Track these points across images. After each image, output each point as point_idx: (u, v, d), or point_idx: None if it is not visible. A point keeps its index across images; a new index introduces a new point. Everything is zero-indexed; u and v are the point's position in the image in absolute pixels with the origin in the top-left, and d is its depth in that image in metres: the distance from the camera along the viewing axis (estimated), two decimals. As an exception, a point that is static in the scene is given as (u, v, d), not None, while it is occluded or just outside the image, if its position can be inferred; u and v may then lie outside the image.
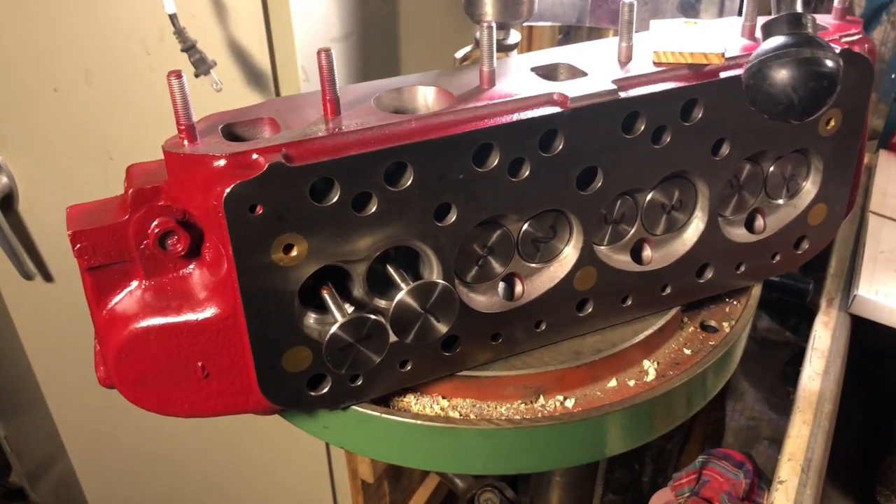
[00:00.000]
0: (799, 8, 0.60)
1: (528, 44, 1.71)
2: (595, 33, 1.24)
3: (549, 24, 1.16)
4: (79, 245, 0.69)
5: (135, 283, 0.73)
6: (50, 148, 1.52)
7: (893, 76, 1.56)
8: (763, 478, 1.47)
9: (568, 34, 1.68)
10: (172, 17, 1.18)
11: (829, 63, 0.57)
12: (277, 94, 1.38)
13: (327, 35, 1.39)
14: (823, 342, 1.22)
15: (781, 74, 0.58)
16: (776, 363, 2.26)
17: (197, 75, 1.23)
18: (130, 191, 0.69)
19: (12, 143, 1.53)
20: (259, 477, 1.95)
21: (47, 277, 1.69)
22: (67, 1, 1.33)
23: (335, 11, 1.38)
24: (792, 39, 0.58)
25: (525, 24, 1.44)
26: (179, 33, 1.20)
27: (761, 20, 0.84)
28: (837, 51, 0.81)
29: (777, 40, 0.59)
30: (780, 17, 0.60)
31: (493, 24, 0.73)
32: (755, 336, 2.22)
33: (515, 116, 0.72)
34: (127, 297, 0.72)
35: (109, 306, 0.73)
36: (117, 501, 2.15)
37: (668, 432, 0.90)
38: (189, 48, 1.21)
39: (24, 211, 1.60)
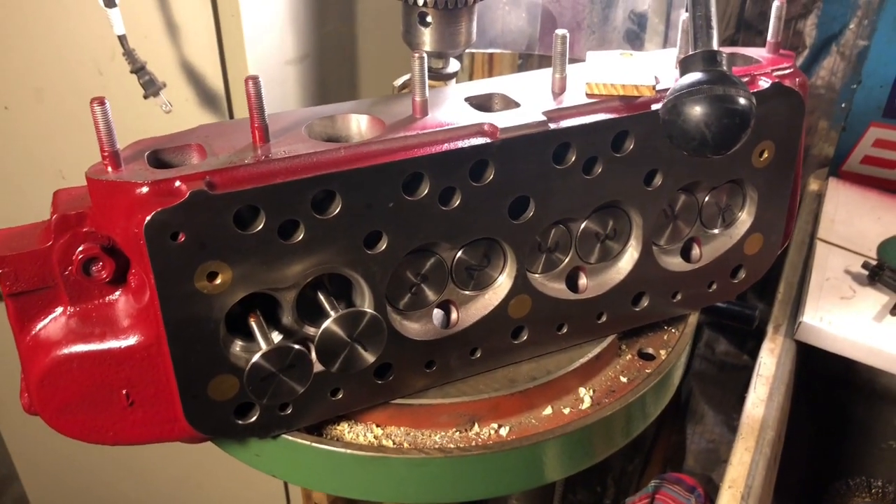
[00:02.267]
0: (714, 45, 0.61)
1: (490, 68, 1.72)
2: (546, 60, 1.25)
3: (499, 50, 1.17)
4: (0, 271, 0.68)
5: (59, 310, 0.72)
6: (2, 166, 1.50)
7: (843, 105, 1.58)
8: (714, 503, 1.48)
9: (525, 60, 1.70)
10: (121, 39, 1.17)
11: (742, 100, 0.58)
12: (231, 114, 1.38)
13: (282, 57, 1.39)
14: (768, 369, 1.23)
15: (695, 111, 0.59)
16: (735, 386, 2.28)
17: (146, 96, 1.23)
18: (55, 216, 0.69)
19: (-39, 162, 1.52)
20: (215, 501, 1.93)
21: (-2, 297, 1.66)
22: (19, 19, 1.33)
23: (290, 33, 1.39)
24: (706, 76, 0.59)
25: (479, 50, 1.45)
26: (129, 54, 1.19)
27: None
28: (768, 84, 0.83)
29: (692, 77, 0.60)
30: (695, 55, 0.61)
31: (425, 55, 0.73)
32: (713, 359, 2.24)
33: (445, 146, 0.73)
34: (51, 324, 0.72)
35: (33, 332, 0.72)
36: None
37: (629, 453, 0.90)
38: (138, 69, 1.21)
39: (-25, 229, 1.58)
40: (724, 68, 0.60)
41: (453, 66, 0.91)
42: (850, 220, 1.47)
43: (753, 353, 2.27)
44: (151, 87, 1.21)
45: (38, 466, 1.99)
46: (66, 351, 0.70)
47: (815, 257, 1.39)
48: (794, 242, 1.49)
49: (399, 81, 0.94)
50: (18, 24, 1.33)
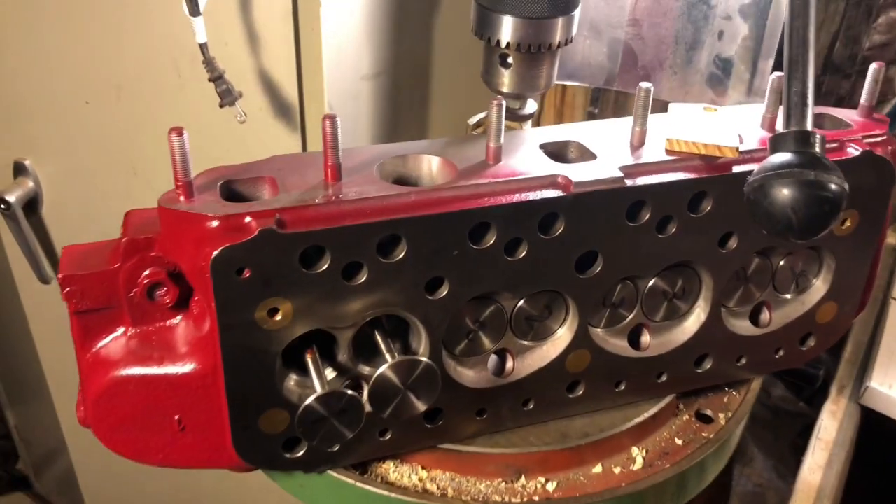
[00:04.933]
0: (808, 125, 0.58)
1: (562, 99, 1.70)
2: (622, 97, 1.23)
3: (577, 84, 1.15)
4: (68, 289, 0.69)
5: (121, 330, 0.73)
6: (77, 157, 1.54)
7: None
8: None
9: (600, 94, 1.67)
10: (202, 47, 1.19)
11: (833, 187, 0.55)
12: (303, 126, 1.39)
13: (357, 72, 1.39)
14: (829, 433, 1.19)
15: (782, 194, 0.56)
16: (788, 432, 2.21)
17: (222, 105, 1.24)
18: (124, 240, 0.70)
19: (42, 149, 1.56)
20: (254, 482, 1.94)
21: (64, 282, 1.71)
22: (104, 18, 1.35)
23: (367, 48, 1.39)
24: (797, 158, 0.56)
25: (556, 82, 1.43)
26: (208, 63, 1.21)
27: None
28: (858, 152, 0.80)
29: (782, 157, 0.57)
30: (787, 133, 0.59)
31: (503, 103, 0.72)
32: (768, 403, 2.18)
33: (516, 197, 0.71)
34: (112, 343, 0.73)
35: (94, 349, 0.73)
36: (113, 500, 2.16)
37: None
38: (216, 78, 1.22)
39: (47, 216, 1.62)
40: (818, 151, 0.57)
41: (530, 106, 0.90)
42: (928, 280, 1.41)
43: (810, 402, 2.21)
44: (228, 97, 1.22)
45: (86, 443, 2.03)
46: (124, 372, 0.71)
47: (889, 316, 1.33)
48: (866, 299, 1.43)
49: (473, 120, 0.93)
50: (103, 24, 1.36)
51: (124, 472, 2.04)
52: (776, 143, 0.59)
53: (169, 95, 1.40)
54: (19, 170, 1.57)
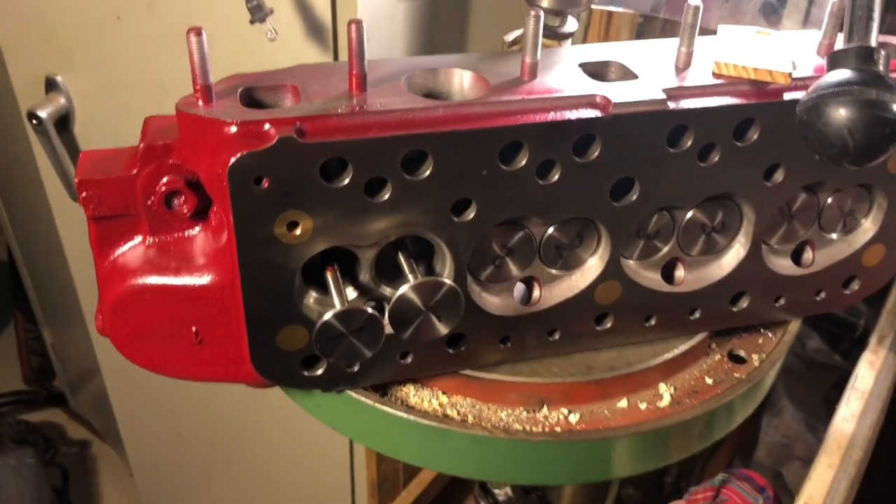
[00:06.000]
0: (873, 41, 0.54)
1: (607, 27, 1.63)
2: (669, 25, 1.17)
3: (621, 10, 1.09)
4: (85, 193, 0.67)
5: (138, 238, 0.71)
6: (109, 74, 1.52)
7: None
8: (783, 507, 1.41)
9: (647, 21, 1.60)
10: (234, -40, 1.15)
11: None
12: (335, 48, 1.35)
13: (394, -7, 1.34)
14: (865, 383, 1.14)
15: (839, 114, 0.51)
16: (821, 385, 2.17)
17: (252, 22, 1.20)
18: (142, 145, 0.67)
19: (74, 66, 1.54)
20: (279, 425, 1.97)
21: (95, 201, 1.71)
22: (137, -70, 1.32)
23: (404, -32, 1.34)
24: (857, 76, 0.52)
25: (600, 7, 1.37)
26: (240, -24, 1.17)
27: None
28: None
29: (840, 74, 0.53)
30: (848, 49, 0.54)
31: (541, 14, 0.67)
32: (802, 355, 2.13)
33: (551, 116, 0.67)
34: (130, 251, 0.71)
35: (112, 257, 0.71)
36: (143, 422, 2.20)
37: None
38: (247, -7, 1.18)
39: (79, 133, 1.61)
40: (882, 69, 0.53)
41: (571, 25, 0.85)
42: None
43: (846, 354, 2.16)
44: (259, 13, 1.18)
45: (121, 363, 2.06)
46: (141, 281, 0.70)
47: (936, 268, 1.28)
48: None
49: (510, 37, 0.88)
50: (136, -65, 1.33)
51: (155, 394, 2.09)
52: (835, 60, 0.54)
53: (201, 11, 1.37)
54: (51, 86, 1.55)
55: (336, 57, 1.35)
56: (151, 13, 1.41)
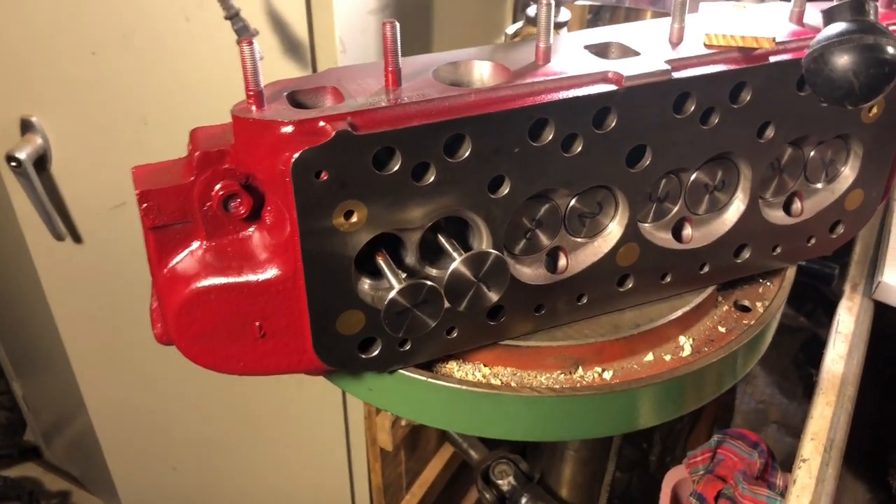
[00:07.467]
0: (862, -6, 0.62)
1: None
2: (633, 14, 1.25)
3: (590, 2, 1.17)
4: (146, 204, 0.71)
5: (196, 244, 0.75)
6: (85, 110, 1.54)
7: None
8: (776, 459, 1.50)
9: (597, 14, 1.69)
10: (217, -15, 1.19)
11: (892, 50, 0.59)
12: (314, 65, 1.40)
13: (364, 6, 1.40)
14: (847, 326, 1.24)
15: (843, 60, 0.59)
16: (789, 348, 2.29)
17: (240, 42, 1.24)
18: (197, 153, 0.71)
19: (48, 105, 1.55)
20: (275, 444, 1.98)
21: (77, 238, 1.71)
22: (109, -35, 1.35)
23: (372, -17, 1.39)
24: (855, 26, 0.60)
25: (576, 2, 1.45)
26: (223, 1, 1.21)
27: (811, 6, 0.86)
28: (885, 38, 0.83)
29: (839, 26, 0.61)
30: (843, 4, 0.62)
31: (552, 2, 0.74)
32: (769, 320, 2.24)
33: (572, 93, 0.74)
34: (188, 257, 0.75)
35: (170, 265, 0.75)
36: (135, 459, 2.18)
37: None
38: (233, 16, 1.22)
39: (57, 172, 1.62)
40: (873, 18, 0.61)
41: (564, 14, 0.92)
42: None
43: (810, 315, 2.28)
44: (246, 34, 1.22)
45: (106, 401, 2.05)
46: (204, 283, 0.73)
47: (894, 218, 1.39)
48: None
49: (511, 29, 0.95)
50: (108, -30, 1.35)
51: (145, 430, 2.08)
52: (832, 14, 0.62)
53: (178, 42, 1.40)
54: (27, 127, 1.56)
55: (315, 71, 1.39)
56: (126, 47, 1.43)
